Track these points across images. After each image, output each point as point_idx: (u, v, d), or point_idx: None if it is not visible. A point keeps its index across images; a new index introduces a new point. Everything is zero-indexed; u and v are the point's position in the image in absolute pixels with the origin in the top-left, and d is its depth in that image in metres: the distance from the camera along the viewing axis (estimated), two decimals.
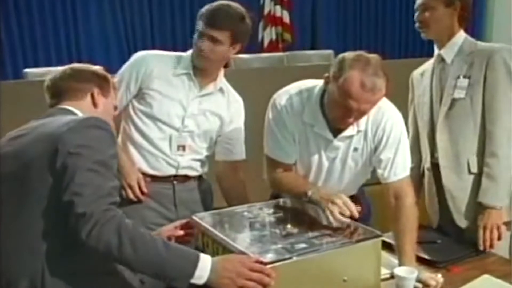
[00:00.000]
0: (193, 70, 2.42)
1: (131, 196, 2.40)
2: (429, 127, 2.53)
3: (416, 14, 2.48)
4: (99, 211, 1.51)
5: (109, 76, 1.96)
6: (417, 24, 2.49)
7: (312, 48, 7.59)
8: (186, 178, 2.53)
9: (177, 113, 2.42)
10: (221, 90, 2.51)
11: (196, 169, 2.55)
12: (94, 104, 1.85)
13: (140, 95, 2.42)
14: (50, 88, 1.88)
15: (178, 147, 2.44)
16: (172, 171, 2.48)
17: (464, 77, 2.41)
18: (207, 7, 2.34)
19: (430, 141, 2.54)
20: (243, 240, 1.86)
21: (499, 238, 2.35)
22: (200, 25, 2.33)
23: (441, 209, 2.56)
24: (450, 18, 2.44)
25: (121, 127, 2.50)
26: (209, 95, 2.47)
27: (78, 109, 1.80)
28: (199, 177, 2.60)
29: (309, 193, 2.06)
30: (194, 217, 2.08)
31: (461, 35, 2.47)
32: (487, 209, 2.36)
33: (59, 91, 1.85)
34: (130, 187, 2.40)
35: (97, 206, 1.51)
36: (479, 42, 2.49)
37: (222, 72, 2.52)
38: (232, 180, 2.60)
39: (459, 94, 2.41)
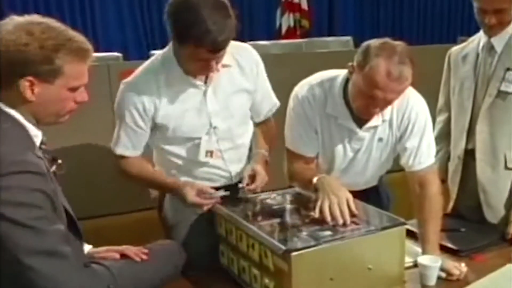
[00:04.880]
0: (184, 71, 2.06)
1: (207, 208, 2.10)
2: (470, 115, 2.47)
3: (483, 17, 2.33)
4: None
5: (61, 49, 1.43)
6: (484, 29, 2.38)
7: (329, 35, 7.56)
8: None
9: (200, 119, 2.12)
10: (223, 65, 2.08)
11: (247, 165, 2.26)
12: (23, 98, 1.43)
13: (154, 127, 2.13)
14: None
15: (207, 152, 2.16)
16: (227, 181, 2.24)
17: None
18: (192, 27, 1.86)
19: (468, 129, 2.48)
20: (267, 227, 1.86)
21: None
22: (198, 52, 1.91)
23: (465, 198, 2.54)
24: None
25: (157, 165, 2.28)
26: (217, 80, 2.10)
27: (9, 105, 1.44)
28: None
29: (314, 180, 2.00)
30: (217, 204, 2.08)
31: None
32: None
33: None
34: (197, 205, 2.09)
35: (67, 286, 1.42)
36: None
37: None
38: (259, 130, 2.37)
39: (507, 87, 2.34)
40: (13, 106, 1.45)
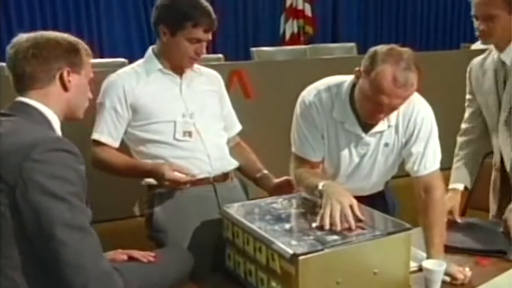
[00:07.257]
0: (162, 66, 2.34)
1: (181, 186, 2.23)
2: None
3: (477, 23, 2.36)
4: (97, 272, 1.48)
5: (79, 44, 1.68)
6: (477, 33, 2.38)
7: (333, 41, 7.59)
8: (225, 176, 2.43)
9: (175, 103, 2.32)
10: (198, 71, 2.43)
11: (228, 159, 2.45)
12: (64, 88, 1.63)
13: (134, 114, 2.30)
14: (12, 70, 1.63)
15: (184, 132, 2.32)
16: (207, 168, 2.35)
17: None
18: (190, 10, 2.22)
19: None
20: (273, 231, 1.87)
21: None
22: (195, 32, 2.22)
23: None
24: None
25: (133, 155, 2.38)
26: (190, 80, 2.38)
27: (43, 103, 1.60)
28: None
29: (320, 186, 2.00)
30: (224, 208, 2.10)
31: None
32: None
33: (22, 76, 1.60)
34: (172, 180, 2.20)
35: (92, 264, 1.47)
36: None
37: None
38: (245, 151, 2.60)
39: None
40: (48, 105, 1.61)
